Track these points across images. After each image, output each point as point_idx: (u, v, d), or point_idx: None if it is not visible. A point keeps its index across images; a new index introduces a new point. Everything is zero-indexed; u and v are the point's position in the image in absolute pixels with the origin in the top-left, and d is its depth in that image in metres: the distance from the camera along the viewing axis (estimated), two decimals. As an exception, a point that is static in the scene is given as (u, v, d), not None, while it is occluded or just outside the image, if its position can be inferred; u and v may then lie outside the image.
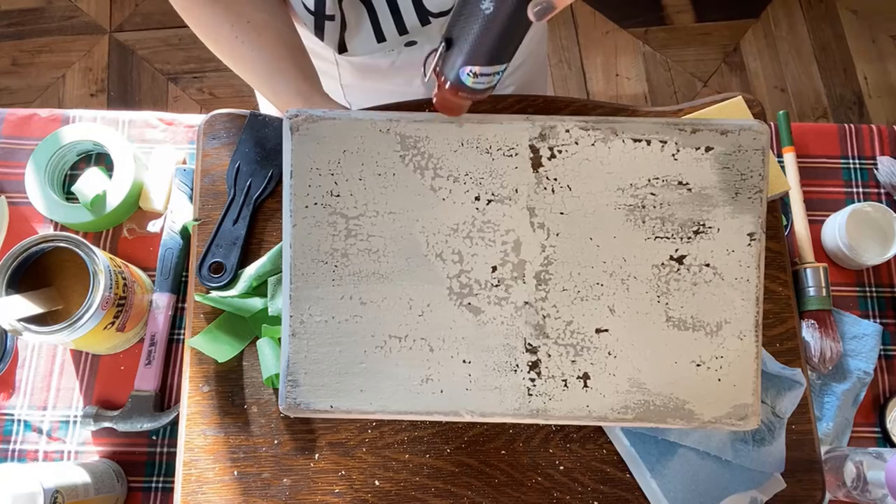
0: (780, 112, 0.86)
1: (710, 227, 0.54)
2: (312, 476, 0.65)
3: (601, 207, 0.54)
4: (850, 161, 0.85)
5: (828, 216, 0.83)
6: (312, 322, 0.54)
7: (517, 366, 0.53)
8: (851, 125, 0.87)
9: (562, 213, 0.54)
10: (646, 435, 0.66)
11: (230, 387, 0.68)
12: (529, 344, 0.53)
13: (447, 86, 0.45)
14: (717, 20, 1.99)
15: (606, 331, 0.53)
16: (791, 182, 0.82)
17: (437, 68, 0.45)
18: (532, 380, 0.53)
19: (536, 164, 0.55)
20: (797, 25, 1.97)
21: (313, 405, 0.53)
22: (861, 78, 1.91)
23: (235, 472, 0.65)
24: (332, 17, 0.68)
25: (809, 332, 0.76)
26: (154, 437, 0.74)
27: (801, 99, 1.90)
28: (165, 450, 0.73)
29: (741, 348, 0.53)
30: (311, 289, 0.54)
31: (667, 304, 0.53)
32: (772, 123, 0.85)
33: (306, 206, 0.55)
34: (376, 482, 0.65)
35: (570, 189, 0.55)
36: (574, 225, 0.54)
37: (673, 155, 0.54)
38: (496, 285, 0.54)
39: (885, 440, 0.77)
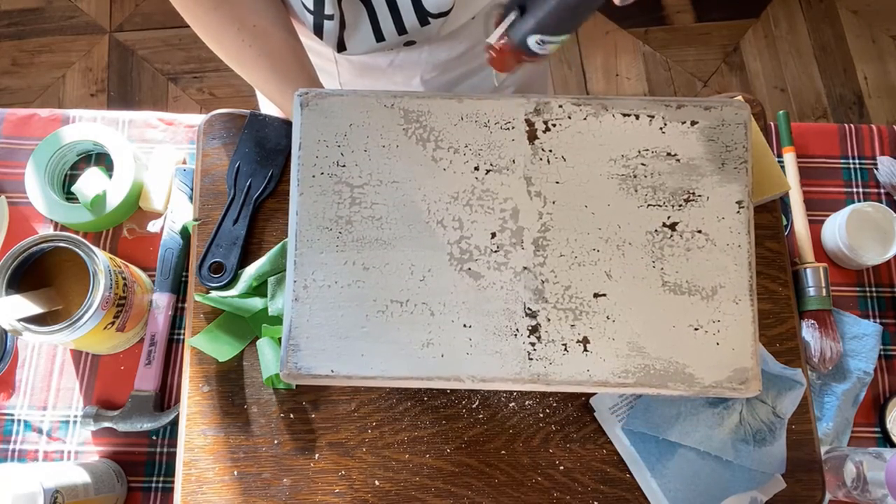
0: (780, 112, 0.86)
1: (699, 196, 0.56)
2: (312, 476, 0.65)
3: (595, 177, 0.56)
4: (850, 161, 0.85)
5: (828, 216, 0.83)
6: (315, 287, 0.55)
7: (517, 330, 0.54)
8: (851, 125, 0.87)
9: (557, 183, 0.56)
10: (646, 435, 0.66)
11: (230, 387, 0.68)
12: (529, 308, 0.54)
13: (512, 47, 0.48)
14: (717, 20, 1.99)
15: (604, 295, 0.54)
16: (791, 182, 0.82)
17: (506, 30, 0.48)
18: (532, 344, 0.54)
19: (532, 136, 0.57)
20: (797, 25, 1.97)
21: (314, 370, 0.54)
22: (861, 78, 1.91)
23: (235, 472, 0.65)
24: (330, 17, 0.69)
25: (809, 332, 0.76)
26: (154, 437, 0.74)
27: (801, 99, 1.90)
28: (165, 450, 0.73)
29: (737, 312, 0.54)
30: (316, 254, 0.55)
31: (662, 269, 0.55)
32: (772, 123, 0.85)
33: (313, 176, 0.57)
34: (376, 482, 0.65)
35: (565, 160, 0.57)
36: (569, 193, 0.56)
37: (660, 128, 0.56)
38: (495, 251, 0.55)
39: (885, 440, 0.77)
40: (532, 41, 0.47)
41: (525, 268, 0.55)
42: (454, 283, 0.55)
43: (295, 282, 0.55)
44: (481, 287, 0.55)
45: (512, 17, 0.48)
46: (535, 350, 0.54)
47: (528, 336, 0.54)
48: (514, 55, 0.49)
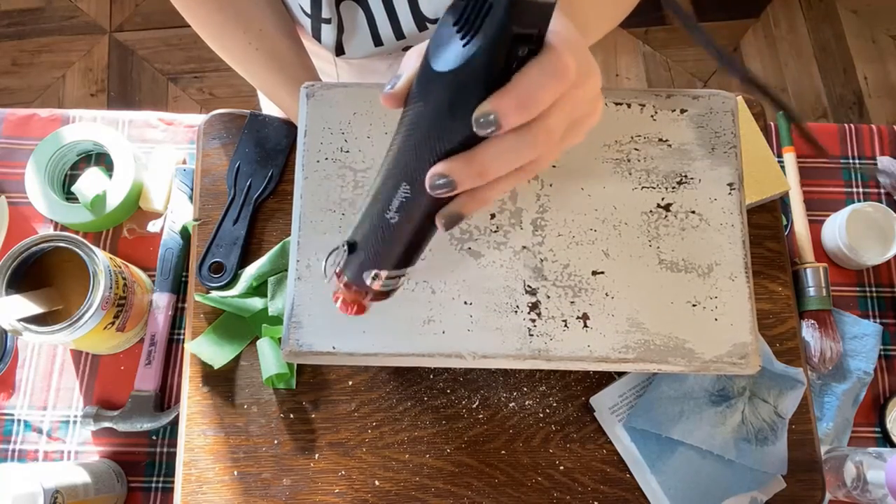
0: (780, 112, 0.86)
1: (691, 178, 0.57)
2: (312, 476, 0.65)
3: (590, 161, 0.57)
4: (850, 161, 0.85)
5: (828, 216, 0.83)
6: (318, 266, 0.55)
7: (517, 307, 0.55)
8: (851, 125, 0.87)
9: (554, 166, 0.57)
10: (647, 433, 0.66)
11: (230, 387, 0.68)
12: (529, 286, 0.55)
13: (350, 287, 0.45)
14: (717, 20, 1.99)
15: (602, 273, 0.55)
16: (791, 182, 0.82)
17: (339, 270, 0.45)
18: (532, 320, 0.54)
19: None
20: (797, 25, 1.97)
21: (315, 346, 0.54)
22: (861, 78, 1.92)
23: (235, 472, 0.65)
24: (328, 21, 0.69)
25: (809, 332, 0.76)
26: (154, 437, 0.74)
27: (801, 99, 1.90)
28: (165, 450, 0.73)
29: (734, 288, 0.55)
30: (319, 235, 0.56)
31: (658, 247, 0.56)
32: (772, 123, 0.85)
33: (317, 161, 0.57)
34: (376, 482, 0.65)
35: None
36: (566, 176, 0.57)
37: (652, 116, 0.58)
38: (495, 231, 0.56)
39: (885, 440, 0.77)
40: (369, 278, 0.43)
41: (524, 247, 0.56)
42: (455, 262, 0.56)
43: (298, 261, 0.56)
44: (481, 266, 0.55)
45: (341, 254, 0.44)
46: (535, 326, 0.54)
47: (529, 313, 0.54)
48: (356, 295, 0.45)
